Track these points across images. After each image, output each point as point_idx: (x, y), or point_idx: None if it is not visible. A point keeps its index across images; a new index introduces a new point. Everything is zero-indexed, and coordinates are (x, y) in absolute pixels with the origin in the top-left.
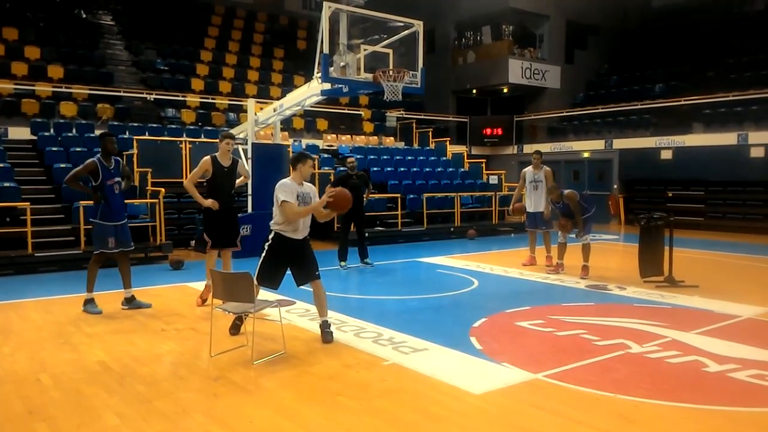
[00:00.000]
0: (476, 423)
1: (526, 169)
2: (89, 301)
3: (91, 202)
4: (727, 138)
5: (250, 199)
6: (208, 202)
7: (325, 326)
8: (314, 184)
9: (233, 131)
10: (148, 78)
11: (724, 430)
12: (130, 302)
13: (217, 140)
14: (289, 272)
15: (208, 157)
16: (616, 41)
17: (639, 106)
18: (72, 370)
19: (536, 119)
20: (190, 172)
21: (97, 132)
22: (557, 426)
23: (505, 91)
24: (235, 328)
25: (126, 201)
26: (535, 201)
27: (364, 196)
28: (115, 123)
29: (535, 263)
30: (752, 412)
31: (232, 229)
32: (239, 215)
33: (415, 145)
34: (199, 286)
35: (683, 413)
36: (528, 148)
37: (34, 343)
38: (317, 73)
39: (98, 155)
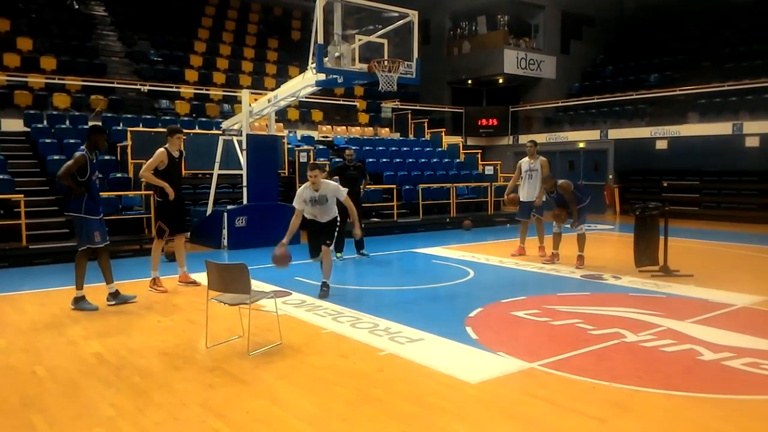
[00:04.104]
0: (472, 412)
1: (522, 159)
2: (80, 299)
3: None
4: (722, 128)
5: (245, 191)
6: (170, 190)
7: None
8: None
9: (228, 123)
10: (141, 69)
11: (718, 418)
12: (116, 297)
13: (167, 134)
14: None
15: (162, 149)
16: (611, 31)
17: (634, 96)
18: (68, 362)
19: (532, 110)
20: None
21: (91, 123)
22: (553, 414)
23: (501, 81)
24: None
25: (120, 193)
26: (528, 190)
27: (362, 187)
28: (109, 114)
29: (525, 253)
30: (747, 400)
31: (184, 216)
32: (230, 207)
33: (411, 136)
34: (195, 276)
35: (678, 401)
36: (523, 139)
37: (29, 336)
38: (312, 63)
39: (84, 147)
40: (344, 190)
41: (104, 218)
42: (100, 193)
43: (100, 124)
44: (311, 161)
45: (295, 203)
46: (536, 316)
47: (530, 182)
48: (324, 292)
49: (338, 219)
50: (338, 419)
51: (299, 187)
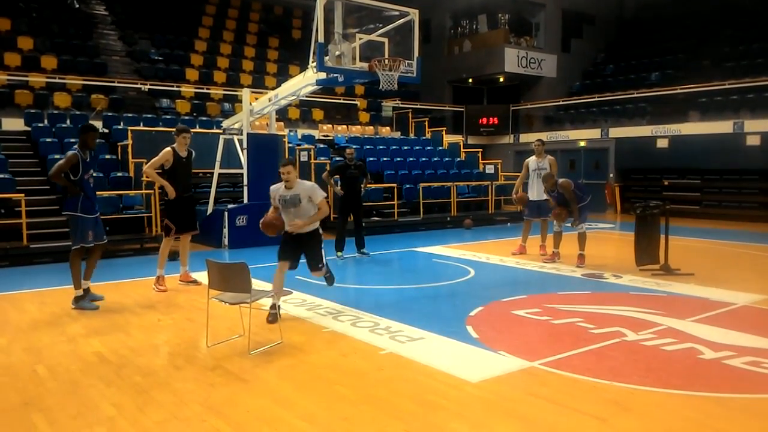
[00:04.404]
0: (473, 411)
1: (529, 158)
2: (80, 298)
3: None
4: (723, 126)
5: (245, 190)
6: (170, 189)
7: None
8: (311, 175)
9: (228, 122)
10: (142, 68)
11: (719, 417)
12: (86, 294)
13: (174, 134)
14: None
15: (168, 148)
16: (611, 30)
17: (635, 95)
18: (68, 361)
19: (532, 108)
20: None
21: (92, 123)
22: (554, 413)
23: (501, 80)
24: (273, 318)
25: (120, 192)
26: (538, 190)
27: (362, 186)
28: (110, 114)
29: (525, 252)
30: (747, 399)
31: (192, 215)
32: (231, 206)
33: (411, 135)
34: (196, 275)
35: (678, 400)
36: (524, 138)
37: (29, 335)
38: (312, 62)
39: (76, 147)
40: (321, 193)
41: (105, 218)
42: (97, 192)
43: (91, 123)
44: (312, 160)
45: (271, 200)
46: (537, 315)
47: (539, 181)
48: (330, 278)
49: (320, 232)
50: (339, 418)
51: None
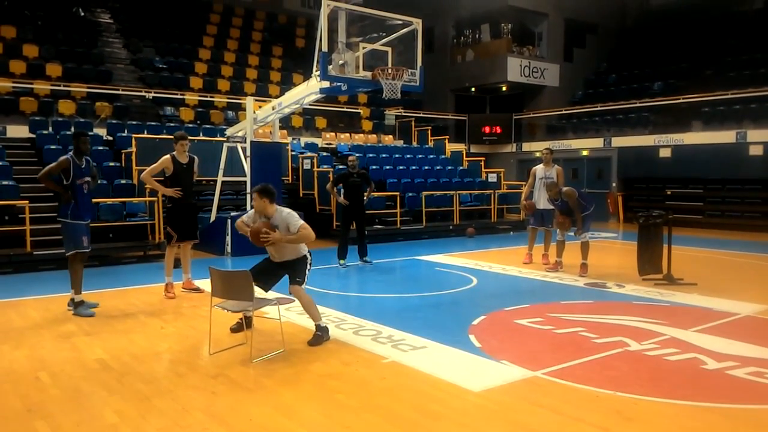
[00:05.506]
0: (475, 420)
1: (536, 166)
2: (79, 303)
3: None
4: (725, 136)
5: (248, 197)
6: (170, 191)
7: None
8: (314, 183)
9: (232, 130)
10: (146, 76)
11: (722, 428)
12: (75, 304)
13: (173, 141)
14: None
15: (168, 155)
16: (614, 39)
17: (638, 105)
18: (71, 368)
19: (535, 117)
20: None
21: (96, 131)
22: (556, 423)
23: (504, 89)
24: (238, 326)
25: (124, 200)
26: (544, 198)
27: (365, 194)
28: (114, 121)
29: (531, 261)
30: (750, 410)
31: (194, 222)
32: (234, 214)
33: (414, 144)
34: (198, 283)
35: (682, 410)
36: (527, 146)
37: (33, 341)
38: (316, 71)
39: (70, 153)
40: (298, 220)
41: (109, 225)
42: (101, 200)
43: (81, 129)
44: (315, 168)
45: (243, 218)
46: (539, 324)
47: (545, 190)
48: (318, 338)
49: (308, 257)
50: (341, 427)
51: (303, 191)
